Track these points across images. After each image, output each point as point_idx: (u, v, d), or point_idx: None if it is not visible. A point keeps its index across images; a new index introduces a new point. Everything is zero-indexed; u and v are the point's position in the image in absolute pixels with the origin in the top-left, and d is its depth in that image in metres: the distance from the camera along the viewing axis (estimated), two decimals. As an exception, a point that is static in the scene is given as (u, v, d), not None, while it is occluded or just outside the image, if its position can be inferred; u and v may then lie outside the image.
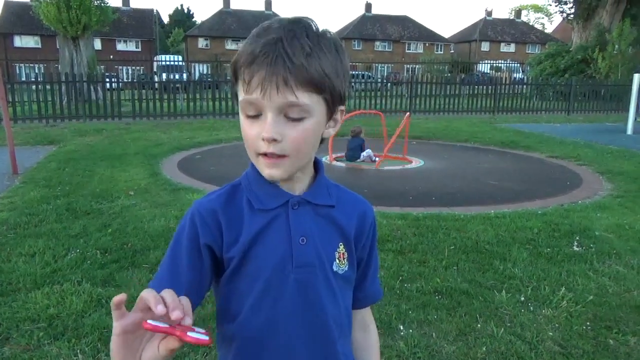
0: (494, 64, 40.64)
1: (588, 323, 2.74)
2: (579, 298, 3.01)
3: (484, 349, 2.46)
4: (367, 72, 33.73)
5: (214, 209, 0.83)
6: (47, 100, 13.40)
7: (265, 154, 0.77)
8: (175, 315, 0.59)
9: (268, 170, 0.79)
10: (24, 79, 15.32)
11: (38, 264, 3.41)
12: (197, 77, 19.47)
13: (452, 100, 17.01)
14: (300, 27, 0.76)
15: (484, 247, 3.83)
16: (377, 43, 53.86)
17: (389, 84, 19.52)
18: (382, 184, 6.38)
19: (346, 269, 0.88)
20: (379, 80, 19.72)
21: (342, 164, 7.62)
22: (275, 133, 0.75)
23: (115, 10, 23.83)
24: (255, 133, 0.77)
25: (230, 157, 8.11)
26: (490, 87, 17.94)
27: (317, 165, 0.90)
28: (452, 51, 55.95)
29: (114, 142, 9.71)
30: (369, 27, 54.28)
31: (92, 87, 15.19)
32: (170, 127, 12.17)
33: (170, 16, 72.78)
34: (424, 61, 42.27)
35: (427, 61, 41.04)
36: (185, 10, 72.87)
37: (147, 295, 0.61)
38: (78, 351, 2.37)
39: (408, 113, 8.55)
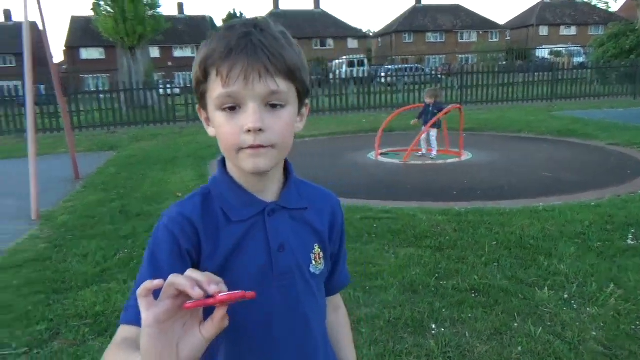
0: (554, 49, 38.71)
1: (638, 322, 2.57)
2: (630, 295, 2.83)
3: (519, 348, 2.37)
4: (417, 65, 33.11)
5: (190, 219, 0.81)
6: (107, 109, 14.17)
7: (250, 147, 0.75)
8: (212, 289, 0.57)
9: (253, 161, 0.76)
10: (91, 89, 16.26)
11: (90, 263, 3.63)
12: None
13: (506, 89, 16.38)
14: (263, 24, 0.77)
15: (528, 242, 3.68)
16: (429, 34, 52.74)
17: (440, 75, 19.09)
18: (427, 179, 6.26)
19: (322, 267, 0.90)
20: (427, 72, 19.29)
21: (386, 160, 7.54)
22: (261, 122, 0.74)
23: (170, 18, 24.75)
24: (236, 127, 0.75)
25: (277, 157, 8.23)
26: (547, 73, 17.11)
27: (287, 166, 0.90)
28: (508, 38, 53.84)
29: (167, 146, 10.11)
30: (420, 19, 53.27)
31: (148, 94, 15.90)
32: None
33: (223, 21, 74.70)
34: (476, 50, 40.95)
35: (481, 50, 39.72)
36: (238, 14, 74.57)
37: (178, 280, 0.58)
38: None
39: (459, 105, 8.29)
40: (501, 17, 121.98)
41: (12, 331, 2.73)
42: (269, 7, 54.67)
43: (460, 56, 46.21)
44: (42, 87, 18.57)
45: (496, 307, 2.77)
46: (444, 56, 47.75)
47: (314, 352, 0.90)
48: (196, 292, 0.56)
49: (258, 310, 0.83)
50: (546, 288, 2.95)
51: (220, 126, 0.77)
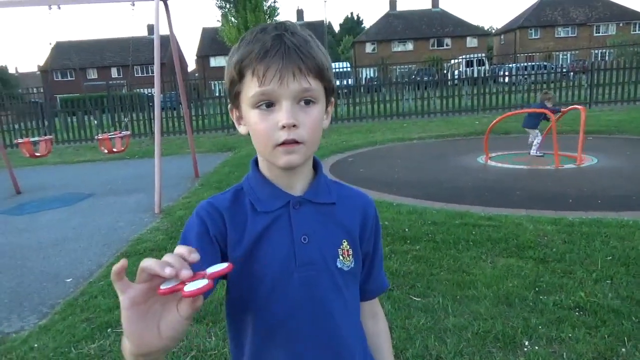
0: None
1: None
2: None
3: (625, 377, 2.12)
4: (545, 63, 30.68)
5: (219, 209, 0.87)
6: (227, 112, 15.22)
7: (283, 143, 0.80)
8: (184, 275, 0.57)
9: (287, 157, 0.81)
10: (217, 94, 17.57)
11: (197, 255, 3.94)
12: (363, 81, 19.70)
13: (647, 87, 14.54)
14: (292, 27, 0.83)
15: (652, 259, 3.25)
16: (559, 29, 48.70)
17: (570, 73, 17.50)
18: (540, 185, 5.80)
19: (352, 265, 0.90)
20: (552, 69, 17.77)
21: (496, 164, 7.13)
22: (295, 119, 0.79)
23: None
24: (270, 124, 0.80)
25: (381, 159, 8.21)
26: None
27: (316, 164, 0.93)
28: (655, 28, 47.69)
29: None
30: (548, 13, 49.40)
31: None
32: (329, 132, 12.77)
33: (340, 25, 76.19)
34: (612, 44, 36.85)
35: (618, 44, 35.66)
36: (355, 18, 75.50)
37: (148, 264, 0.57)
38: (212, 333, 2.69)
39: (581, 107, 7.59)
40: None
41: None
42: (386, 9, 54.38)
43: (594, 51, 42.03)
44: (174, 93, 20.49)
45: (603, 328, 2.50)
46: (576, 52, 43.74)
47: (346, 352, 0.89)
48: (167, 272, 0.56)
49: (281, 300, 0.85)
50: (668, 312, 2.59)
51: (256, 123, 0.82)
